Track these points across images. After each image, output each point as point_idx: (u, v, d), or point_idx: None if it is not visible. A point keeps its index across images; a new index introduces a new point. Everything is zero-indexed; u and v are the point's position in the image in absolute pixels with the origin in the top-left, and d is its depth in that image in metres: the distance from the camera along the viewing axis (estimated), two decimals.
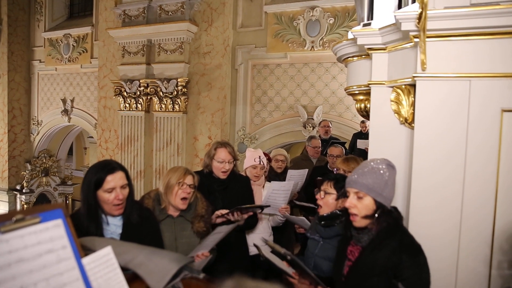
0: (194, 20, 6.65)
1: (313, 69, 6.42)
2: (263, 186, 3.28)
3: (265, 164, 3.27)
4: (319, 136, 5.36)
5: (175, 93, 6.72)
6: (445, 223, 1.62)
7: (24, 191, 9.17)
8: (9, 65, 9.18)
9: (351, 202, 1.63)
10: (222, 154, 2.76)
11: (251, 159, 3.17)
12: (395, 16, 1.60)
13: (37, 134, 9.57)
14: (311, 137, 4.88)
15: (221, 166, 2.76)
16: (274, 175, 3.94)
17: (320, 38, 6.24)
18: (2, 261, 0.91)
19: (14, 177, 9.42)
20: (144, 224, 2.00)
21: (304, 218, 2.85)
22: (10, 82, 9.20)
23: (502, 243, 1.49)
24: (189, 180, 2.34)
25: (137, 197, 7.32)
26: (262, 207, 2.84)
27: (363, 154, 4.72)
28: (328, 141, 5.06)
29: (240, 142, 6.96)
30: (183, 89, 6.70)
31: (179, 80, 6.65)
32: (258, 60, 6.76)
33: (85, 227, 1.80)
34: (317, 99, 6.43)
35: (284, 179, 3.71)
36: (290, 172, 3.69)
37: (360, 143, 5.28)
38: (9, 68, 9.18)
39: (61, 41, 8.92)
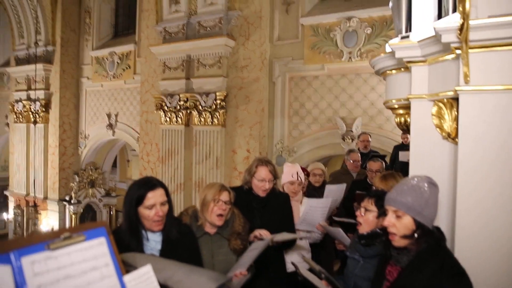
0: (231, 35, 6.77)
1: (351, 80, 6.33)
2: (301, 202, 3.23)
3: (303, 179, 3.22)
4: (358, 149, 5.25)
5: (214, 106, 6.84)
6: (494, 241, 1.52)
7: (72, 202, 9.63)
8: (60, 83, 9.77)
9: (389, 220, 1.58)
10: (263, 172, 2.72)
11: (289, 175, 3.13)
12: (434, 27, 1.55)
13: (85, 147, 10.06)
14: (350, 151, 4.78)
15: (261, 185, 2.73)
16: (312, 190, 3.88)
17: (357, 48, 6.16)
18: (52, 277, 0.95)
19: (64, 188, 9.91)
20: (183, 240, 2.03)
21: (340, 229, 2.77)
22: (61, 98, 9.79)
23: None
24: (224, 196, 2.34)
25: (177, 210, 7.43)
26: (301, 238, 2.81)
27: (405, 166, 4.56)
28: (368, 155, 4.94)
29: (278, 155, 6.94)
30: (221, 103, 6.80)
31: (217, 94, 6.77)
32: (295, 73, 6.75)
33: (127, 242, 1.85)
34: (356, 110, 6.31)
35: (322, 193, 3.65)
36: (328, 187, 3.63)
37: (402, 155, 5.09)
38: (61, 86, 9.78)
39: (106, 58, 9.38)
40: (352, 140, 6.21)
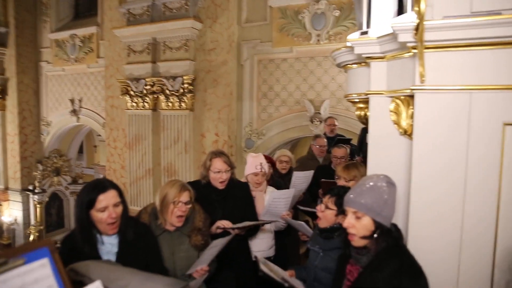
0: (198, 17, 6.59)
1: (319, 62, 6.33)
2: (265, 191, 3.24)
3: (267, 170, 3.22)
4: (325, 134, 5.28)
5: (181, 90, 6.71)
6: (445, 238, 1.57)
7: (36, 191, 9.28)
8: (17, 68, 9.20)
9: (349, 222, 1.58)
10: (218, 164, 2.74)
11: (252, 166, 3.12)
12: (392, 27, 1.53)
13: (47, 135, 9.66)
14: (316, 136, 4.80)
15: (218, 176, 2.74)
16: (279, 177, 3.89)
17: (326, 31, 6.13)
18: None
19: (26, 177, 9.50)
20: (140, 241, 1.99)
21: (303, 223, 2.83)
22: (19, 84, 9.25)
23: (502, 262, 1.44)
24: (184, 197, 2.31)
25: (146, 196, 7.28)
26: (264, 223, 2.83)
27: None
28: (334, 139, 4.97)
29: (247, 138, 6.94)
30: (189, 87, 6.68)
31: (184, 77, 6.63)
32: (264, 55, 6.68)
33: (80, 248, 1.80)
34: (324, 93, 6.34)
35: (289, 180, 3.66)
36: (296, 174, 3.64)
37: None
38: (18, 71, 9.22)
39: (67, 41, 8.92)
40: (320, 122, 6.25)
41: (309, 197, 3.96)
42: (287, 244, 3.42)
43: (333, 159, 4.07)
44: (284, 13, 6.40)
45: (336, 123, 5.49)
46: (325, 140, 4.76)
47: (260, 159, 3.17)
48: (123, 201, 1.93)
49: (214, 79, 6.61)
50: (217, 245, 2.24)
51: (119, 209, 1.90)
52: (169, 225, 2.34)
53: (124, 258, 1.82)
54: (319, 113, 6.34)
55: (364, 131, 5.66)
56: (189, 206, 2.34)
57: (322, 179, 3.47)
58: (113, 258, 1.88)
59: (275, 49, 6.53)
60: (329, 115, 6.12)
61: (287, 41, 6.43)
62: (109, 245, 1.92)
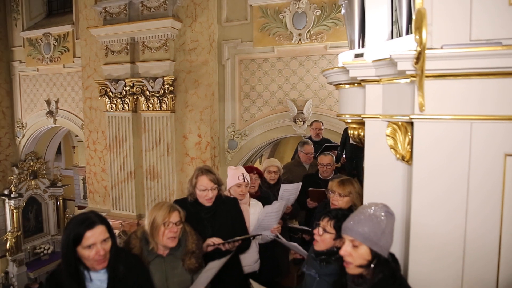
0: (177, 16, 6.45)
1: (301, 62, 6.30)
2: (249, 204, 3.18)
3: (249, 181, 3.14)
4: (310, 137, 5.24)
5: (162, 91, 6.57)
6: (446, 270, 1.56)
7: (12, 195, 8.95)
8: None
9: (345, 250, 1.57)
10: (204, 182, 2.66)
11: (234, 178, 3.05)
12: (390, 55, 1.50)
13: (23, 137, 9.30)
14: (304, 143, 4.77)
15: (204, 194, 2.67)
16: (267, 187, 3.84)
17: (307, 30, 6.10)
18: None
19: (2, 182, 9.17)
20: (130, 274, 1.91)
21: (296, 244, 2.79)
22: None
23: None
24: (174, 217, 2.24)
25: (129, 199, 7.06)
26: (254, 236, 2.78)
27: (355, 149, 4.64)
28: (320, 143, 4.96)
29: (230, 139, 6.88)
30: (169, 88, 6.55)
31: (165, 78, 6.50)
32: (245, 55, 6.61)
33: (67, 286, 1.71)
34: (307, 92, 6.32)
35: (277, 191, 3.62)
36: (284, 187, 3.59)
37: None
38: None
39: (41, 40, 8.58)
40: (303, 122, 6.24)
41: (298, 206, 3.94)
42: (276, 255, 3.39)
43: (319, 166, 4.05)
44: (265, 12, 6.34)
45: (322, 127, 5.46)
46: (312, 147, 4.72)
47: (241, 170, 3.10)
48: (112, 235, 1.85)
49: (195, 79, 6.51)
50: (213, 267, 2.19)
51: (108, 245, 1.81)
52: (161, 249, 2.27)
53: None
54: (302, 113, 6.33)
55: (347, 131, 5.69)
56: (180, 226, 2.28)
57: (310, 188, 3.44)
58: None
59: (256, 48, 6.47)
60: (312, 114, 6.11)
61: (268, 41, 6.38)
62: (97, 282, 1.82)
